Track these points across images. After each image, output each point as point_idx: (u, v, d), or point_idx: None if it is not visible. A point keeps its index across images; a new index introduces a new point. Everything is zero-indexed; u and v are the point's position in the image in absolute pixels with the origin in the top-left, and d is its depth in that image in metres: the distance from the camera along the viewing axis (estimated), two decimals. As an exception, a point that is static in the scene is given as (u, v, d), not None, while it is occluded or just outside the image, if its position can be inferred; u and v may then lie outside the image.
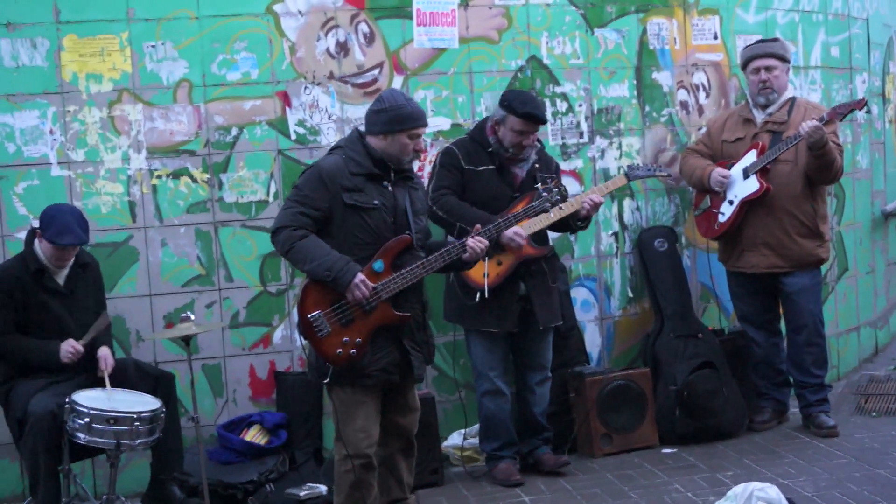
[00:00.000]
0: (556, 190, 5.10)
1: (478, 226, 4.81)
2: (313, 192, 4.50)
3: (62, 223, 5.21)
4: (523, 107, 5.52)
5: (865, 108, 6.24)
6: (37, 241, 5.27)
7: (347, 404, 4.57)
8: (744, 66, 6.39)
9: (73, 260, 5.33)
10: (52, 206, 5.32)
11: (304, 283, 4.54)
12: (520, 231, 5.40)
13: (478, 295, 5.46)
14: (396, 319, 4.58)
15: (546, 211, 5.21)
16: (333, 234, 4.53)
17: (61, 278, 5.32)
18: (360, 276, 4.42)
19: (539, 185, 5.25)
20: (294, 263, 4.62)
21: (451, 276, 5.70)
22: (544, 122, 5.72)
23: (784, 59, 6.26)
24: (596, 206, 5.65)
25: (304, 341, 4.59)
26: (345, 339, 4.47)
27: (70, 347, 5.19)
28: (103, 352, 5.35)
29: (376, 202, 4.57)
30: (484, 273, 5.42)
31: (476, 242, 4.67)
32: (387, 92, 4.76)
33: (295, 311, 5.96)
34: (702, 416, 6.21)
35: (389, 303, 4.54)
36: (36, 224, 5.34)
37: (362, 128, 4.70)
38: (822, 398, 6.34)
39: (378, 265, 4.51)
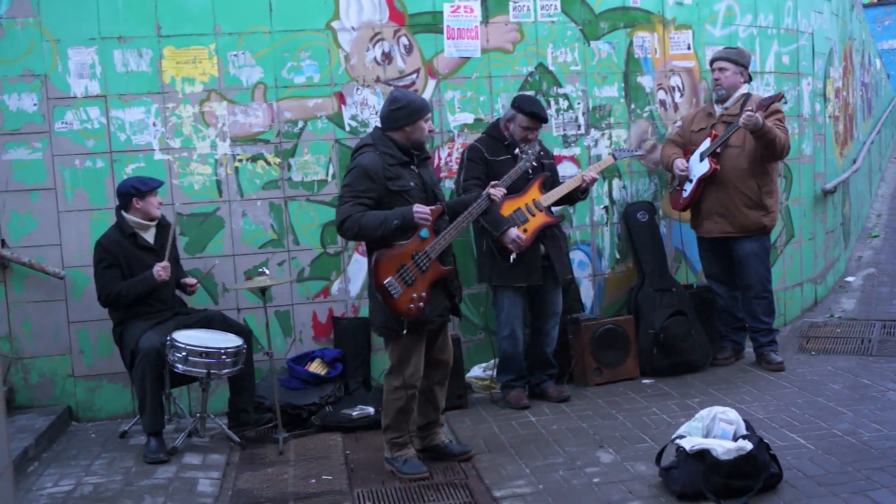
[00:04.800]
0: (530, 152, 5.07)
1: (494, 182, 4.80)
2: (363, 185, 4.46)
3: (139, 181, 5.32)
4: (530, 107, 5.59)
5: (784, 100, 6.20)
6: (123, 213, 5.30)
7: (408, 348, 4.57)
8: (710, 68, 6.35)
9: (159, 219, 5.38)
10: (119, 184, 5.38)
11: (374, 258, 4.47)
12: (520, 234, 5.50)
13: (511, 257, 5.52)
14: (445, 273, 4.60)
15: (527, 171, 5.15)
16: None
17: (150, 237, 5.35)
18: (415, 206, 4.43)
19: (517, 151, 5.26)
20: (366, 238, 4.52)
21: (484, 244, 5.70)
22: (546, 120, 5.72)
23: (736, 63, 6.15)
24: (592, 181, 5.76)
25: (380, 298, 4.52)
26: (413, 295, 4.46)
27: (160, 268, 5.21)
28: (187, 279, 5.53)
29: (412, 184, 4.57)
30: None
31: (496, 191, 4.71)
32: (397, 92, 4.69)
33: (349, 269, 6.05)
34: (674, 354, 6.19)
35: (438, 261, 4.54)
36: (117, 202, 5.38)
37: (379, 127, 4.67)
38: (771, 340, 6.31)
39: (424, 233, 4.50)
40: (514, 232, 5.47)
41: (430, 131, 4.68)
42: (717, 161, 6.05)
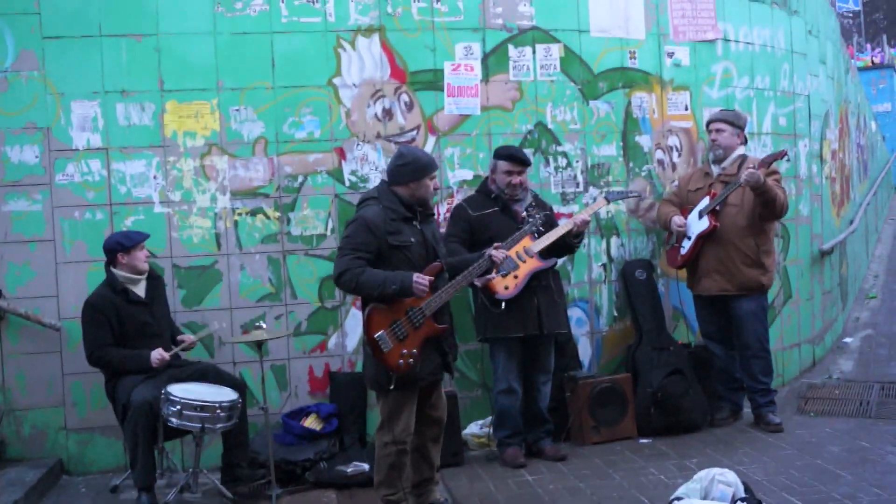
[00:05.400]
0: (537, 216, 5.21)
1: (497, 243, 4.82)
2: (363, 238, 4.46)
3: (123, 236, 5.33)
4: (506, 150, 5.73)
5: (786, 158, 6.26)
6: (113, 269, 5.28)
7: (398, 403, 4.54)
8: (706, 129, 6.42)
9: (147, 272, 5.36)
10: (105, 240, 5.36)
11: (367, 311, 4.46)
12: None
13: (502, 304, 5.51)
14: (439, 331, 4.56)
15: (533, 232, 5.31)
16: (382, 269, 4.48)
17: (141, 290, 5.33)
18: (415, 276, 4.40)
19: (524, 213, 5.40)
20: (362, 294, 4.52)
21: (479, 298, 5.70)
22: (525, 162, 5.72)
23: (732, 124, 6.23)
24: (585, 223, 5.73)
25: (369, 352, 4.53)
26: (403, 351, 4.43)
27: (159, 356, 5.19)
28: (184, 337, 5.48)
29: (412, 239, 4.56)
30: (504, 286, 5.50)
31: (498, 253, 4.72)
32: (404, 148, 4.74)
33: (346, 323, 6.04)
34: (672, 413, 6.15)
35: (433, 318, 4.53)
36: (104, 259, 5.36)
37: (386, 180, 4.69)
38: (770, 401, 6.28)
39: None
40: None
41: (434, 189, 4.70)
42: (716, 218, 6.09)
